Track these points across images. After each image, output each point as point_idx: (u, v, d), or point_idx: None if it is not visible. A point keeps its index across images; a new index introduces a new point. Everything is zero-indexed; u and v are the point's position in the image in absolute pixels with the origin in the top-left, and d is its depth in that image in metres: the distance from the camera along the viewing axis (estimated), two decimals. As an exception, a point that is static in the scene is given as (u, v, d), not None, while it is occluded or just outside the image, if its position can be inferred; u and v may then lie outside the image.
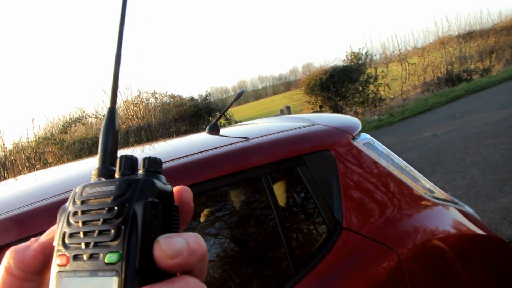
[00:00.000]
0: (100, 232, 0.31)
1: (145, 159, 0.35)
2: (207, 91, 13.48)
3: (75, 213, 0.33)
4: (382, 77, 15.47)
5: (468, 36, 18.28)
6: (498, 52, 18.53)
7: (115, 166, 0.35)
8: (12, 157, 10.07)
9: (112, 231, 0.31)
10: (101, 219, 0.31)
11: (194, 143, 1.80)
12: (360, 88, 14.76)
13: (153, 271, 0.31)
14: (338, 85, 14.16)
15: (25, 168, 10.02)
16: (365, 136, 1.71)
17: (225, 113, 12.38)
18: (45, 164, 10.16)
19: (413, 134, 8.94)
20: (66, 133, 11.87)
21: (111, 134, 0.37)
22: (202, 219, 1.39)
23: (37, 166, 10.05)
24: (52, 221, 0.34)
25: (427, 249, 1.60)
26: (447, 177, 5.46)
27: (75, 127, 12.37)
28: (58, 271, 0.32)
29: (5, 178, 9.44)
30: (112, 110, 0.39)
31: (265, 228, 1.44)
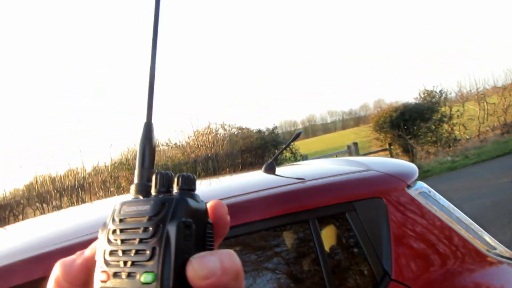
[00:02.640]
0: (137, 252, 0.33)
1: (179, 176, 0.36)
2: (274, 124, 13.69)
3: (114, 231, 0.34)
4: (458, 116, 14.77)
5: (556, 75, 17.00)
6: None
7: (151, 182, 0.36)
8: (90, 179, 10.80)
9: (148, 251, 0.32)
10: (137, 239, 0.33)
11: (249, 182, 1.85)
12: (433, 127, 14.18)
13: None
14: (409, 123, 13.72)
15: (100, 190, 10.69)
16: (421, 185, 1.66)
17: (290, 147, 12.43)
18: (119, 188, 10.76)
19: (489, 179, 8.37)
20: (139, 159, 12.52)
21: (148, 150, 0.38)
22: (249, 258, 1.43)
23: (111, 189, 10.68)
24: None
25: None
26: (526, 228, 5.03)
27: (148, 153, 13.01)
28: (100, 287, 0.34)
29: (82, 200, 10.12)
30: (148, 125, 0.39)
31: (309, 273, 1.43)
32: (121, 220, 0.35)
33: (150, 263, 0.32)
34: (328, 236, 1.49)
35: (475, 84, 16.78)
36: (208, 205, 0.36)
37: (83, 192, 10.36)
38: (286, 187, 1.50)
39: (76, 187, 10.23)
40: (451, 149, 13.75)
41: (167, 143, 13.04)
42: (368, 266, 1.40)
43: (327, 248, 1.43)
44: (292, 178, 1.65)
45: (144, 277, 0.31)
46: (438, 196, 1.67)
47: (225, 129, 12.95)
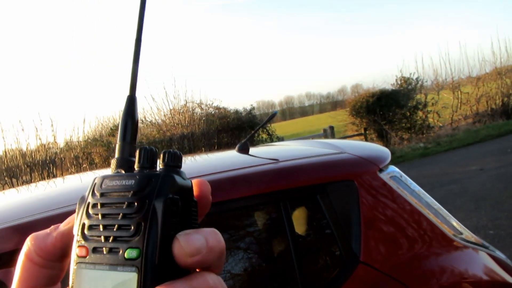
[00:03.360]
0: (120, 227, 0.31)
1: (165, 152, 0.34)
2: (251, 105, 13.62)
3: (94, 205, 0.33)
4: (432, 104, 15.02)
5: (528, 68, 17.44)
6: (560, 86, 17.52)
7: (134, 157, 0.35)
8: (62, 155, 10.56)
9: (132, 227, 0.31)
10: (121, 214, 0.32)
11: (222, 161, 1.82)
12: (408, 114, 14.39)
13: (172, 267, 0.31)
14: (385, 109, 13.88)
15: (72, 166, 10.48)
16: (393, 169, 1.67)
17: (267, 129, 12.43)
18: (91, 164, 10.57)
19: (460, 166, 8.59)
20: (113, 136, 12.33)
21: (130, 124, 0.37)
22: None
23: (83, 165, 10.48)
24: None
25: None
26: (491, 215, 5.19)
27: (122, 130, 12.79)
28: (78, 262, 0.33)
29: (53, 175, 9.91)
30: (131, 99, 0.38)
31: (279, 254, 1.43)
32: (102, 194, 0.33)
33: (135, 239, 0.31)
34: (299, 218, 1.48)
35: (451, 73, 17.01)
36: (192, 183, 0.36)
37: (54, 168, 10.12)
38: (259, 167, 1.48)
39: (48, 162, 10.00)
40: (424, 136, 14.01)
41: (142, 120, 12.84)
42: (337, 248, 1.41)
43: (297, 229, 1.42)
44: (265, 158, 1.63)
45: (128, 253, 0.30)
46: (409, 180, 1.69)
47: (202, 108, 12.80)
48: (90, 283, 0.32)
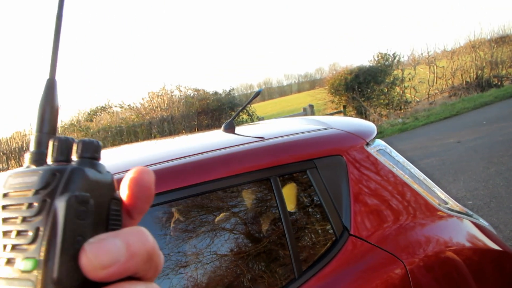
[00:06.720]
0: (19, 233, 0.26)
1: (78, 142, 0.29)
2: (231, 86, 13.55)
3: None
4: (409, 79, 15.22)
5: (501, 40, 17.75)
6: (532, 58, 17.93)
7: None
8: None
9: (30, 232, 0.26)
10: (20, 217, 0.27)
11: (208, 140, 1.81)
12: (386, 90, 14.55)
13: (80, 281, 0.26)
14: (363, 85, 13.99)
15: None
16: (380, 143, 1.69)
17: (247, 109, 12.41)
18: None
19: (437, 139, 8.77)
20: (91, 121, 12.12)
21: (49, 111, 0.31)
22: (208, 217, 1.41)
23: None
24: None
25: (439, 260, 1.58)
26: (469, 185, 5.34)
27: (100, 115, 12.63)
28: None
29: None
30: (51, 82, 0.32)
31: (271, 230, 1.44)
32: (4, 195, 0.28)
33: (32, 246, 0.26)
34: (289, 194, 1.49)
35: (426, 48, 17.22)
36: (130, 173, 0.30)
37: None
38: (247, 145, 1.47)
39: (24, 149, 9.81)
40: (402, 111, 14.22)
41: (120, 105, 12.64)
42: (328, 222, 1.42)
43: (288, 205, 1.43)
44: (253, 136, 1.63)
45: (24, 264, 0.25)
46: (394, 153, 1.71)
47: (180, 91, 12.66)
48: None
